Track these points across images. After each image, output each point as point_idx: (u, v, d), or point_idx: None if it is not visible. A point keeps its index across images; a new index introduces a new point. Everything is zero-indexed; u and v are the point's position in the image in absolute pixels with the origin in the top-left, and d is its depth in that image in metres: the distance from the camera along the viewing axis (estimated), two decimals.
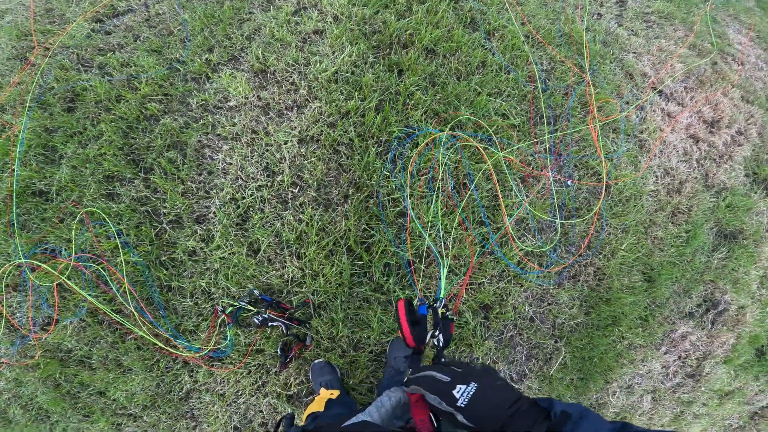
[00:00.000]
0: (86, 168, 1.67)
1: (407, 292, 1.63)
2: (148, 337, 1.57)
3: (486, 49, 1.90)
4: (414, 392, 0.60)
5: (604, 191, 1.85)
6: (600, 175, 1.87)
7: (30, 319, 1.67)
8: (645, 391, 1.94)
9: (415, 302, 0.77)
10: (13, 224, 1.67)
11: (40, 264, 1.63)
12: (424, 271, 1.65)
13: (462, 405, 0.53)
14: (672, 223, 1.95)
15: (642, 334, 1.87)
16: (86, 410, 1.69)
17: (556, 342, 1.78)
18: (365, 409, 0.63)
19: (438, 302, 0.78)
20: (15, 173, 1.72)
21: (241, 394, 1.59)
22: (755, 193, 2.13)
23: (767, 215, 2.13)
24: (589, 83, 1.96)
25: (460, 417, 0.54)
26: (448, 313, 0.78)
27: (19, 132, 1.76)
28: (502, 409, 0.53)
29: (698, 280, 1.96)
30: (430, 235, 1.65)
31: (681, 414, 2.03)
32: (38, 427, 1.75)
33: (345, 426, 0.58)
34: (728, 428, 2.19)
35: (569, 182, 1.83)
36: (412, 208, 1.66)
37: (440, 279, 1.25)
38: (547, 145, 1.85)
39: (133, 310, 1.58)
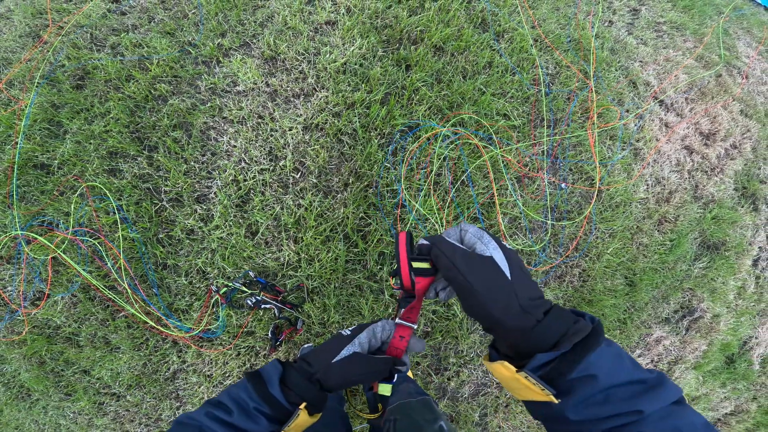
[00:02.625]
0: (90, 144, 1.68)
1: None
2: (139, 315, 1.56)
3: (494, 50, 1.93)
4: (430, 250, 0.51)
5: (595, 196, 1.87)
6: (593, 180, 1.90)
7: (21, 293, 1.65)
8: None
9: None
10: (13, 196, 1.67)
11: (36, 237, 1.62)
12: None
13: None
14: (658, 231, 1.98)
15: (619, 337, 1.91)
16: (69, 389, 1.66)
17: None
18: (354, 339, 0.56)
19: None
20: (18, 146, 1.72)
21: (228, 376, 1.56)
22: (742, 206, 2.17)
23: (751, 229, 2.18)
24: (592, 89, 1.99)
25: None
26: None
27: (26, 107, 1.78)
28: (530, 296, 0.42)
29: (677, 288, 2.00)
30: (425, 227, 1.65)
31: None
32: (18, 405, 1.72)
33: (335, 361, 0.54)
34: None
35: (563, 185, 1.85)
36: (408, 201, 1.67)
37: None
38: (545, 148, 1.87)
39: (126, 287, 1.57)
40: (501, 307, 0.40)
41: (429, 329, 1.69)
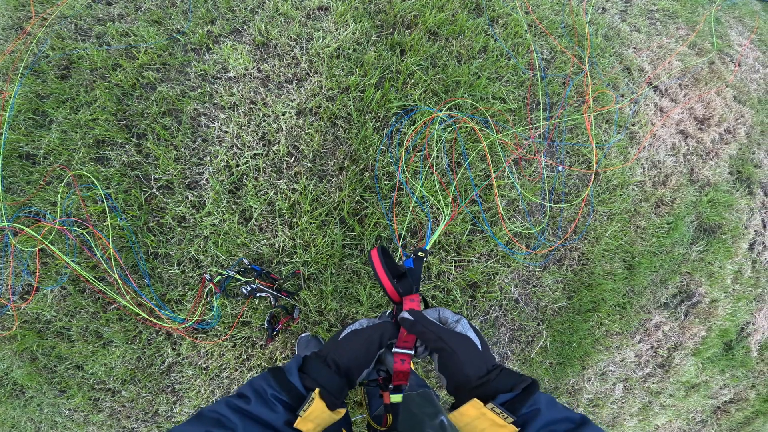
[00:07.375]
0: (76, 132, 1.64)
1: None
2: (131, 307, 1.52)
3: (488, 34, 1.92)
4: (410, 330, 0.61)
5: (593, 179, 1.87)
6: (590, 162, 1.89)
7: (9, 287, 1.61)
8: (618, 379, 1.98)
9: (398, 259, 0.71)
10: None
11: (23, 228, 1.58)
12: (417, 244, 1.63)
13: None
14: (655, 214, 1.98)
15: (619, 321, 1.90)
16: (62, 385, 1.62)
17: (538, 325, 1.79)
18: (355, 323, 0.63)
19: (425, 254, 0.71)
20: (3, 136, 1.67)
21: (224, 368, 1.53)
22: (737, 190, 2.18)
23: (747, 212, 2.18)
24: (587, 74, 1.99)
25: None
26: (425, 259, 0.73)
27: (10, 97, 1.73)
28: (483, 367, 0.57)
29: (675, 271, 2.00)
30: (422, 211, 1.63)
31: (649, 404, 2.06)
32: (12, 404, 1.67)
33: (340, 337, 0.61)
34: (691, 421, 2.23)
35: (560, 168, 1.84)
36: (406, 183, 1.65)
37: (429, 231, 1.22)
38: (542, 131, 1.86)
39: (117, 277, 1.53)
40: (475, 367, 0.56)
41: None
